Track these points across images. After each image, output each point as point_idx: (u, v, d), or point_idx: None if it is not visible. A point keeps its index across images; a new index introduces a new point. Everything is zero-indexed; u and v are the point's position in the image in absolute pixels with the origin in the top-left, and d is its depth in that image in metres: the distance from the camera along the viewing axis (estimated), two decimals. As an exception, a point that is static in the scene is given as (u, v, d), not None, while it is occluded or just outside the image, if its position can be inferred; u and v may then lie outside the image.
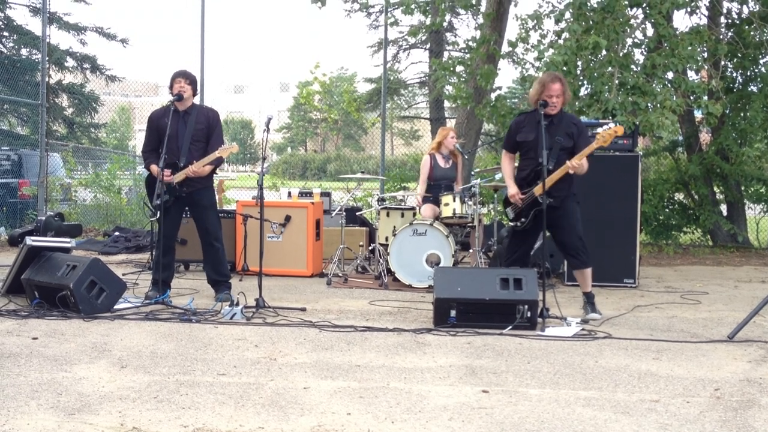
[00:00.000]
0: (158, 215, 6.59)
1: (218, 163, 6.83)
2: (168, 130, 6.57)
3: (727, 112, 10.69)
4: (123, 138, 46.22)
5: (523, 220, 6.30)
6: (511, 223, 6.51)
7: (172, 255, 6.99)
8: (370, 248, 8.66)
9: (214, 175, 7.19)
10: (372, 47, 21.94)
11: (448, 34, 20.13)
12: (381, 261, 7.97)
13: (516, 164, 6.51)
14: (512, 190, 6.33)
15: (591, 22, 8.85)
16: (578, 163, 6.01)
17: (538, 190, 6.11)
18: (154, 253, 7.03)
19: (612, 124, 6.12)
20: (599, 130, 6.15)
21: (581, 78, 9.23)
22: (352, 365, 4.76)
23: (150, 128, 6.84)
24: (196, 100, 6.98)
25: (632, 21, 9.29)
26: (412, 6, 11.32)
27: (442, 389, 4.28)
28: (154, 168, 6.67)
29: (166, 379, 4.39)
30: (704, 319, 6.33)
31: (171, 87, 6.74)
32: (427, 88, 21.50)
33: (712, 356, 5.08)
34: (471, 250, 8.22)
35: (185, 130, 6.69)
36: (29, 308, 6.23)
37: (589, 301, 6.33)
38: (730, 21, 10.81)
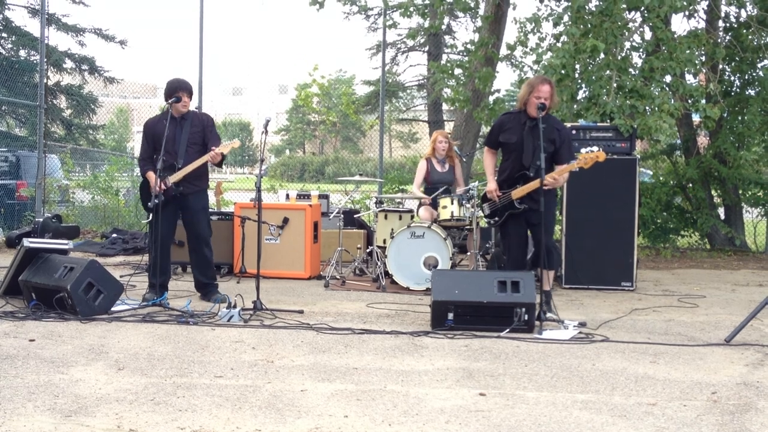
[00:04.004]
0: (151, 217, 6.69)
1: (219, 161, 6.85)
2: (166, 132, 6.64)
3: (725, 115, 10.71)
4: (121, 140, 46.18)
5: (496, 219, 6.50)
6: (485, 219, 6.70)
7: (169, 257, 7.00)
8: (367, 251, 8.66)
9: (220, 168, 7.23)
10: (370, 50, 21.93)
11: (446, 37, 20.15)
12: (379, 263, 7.97)
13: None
14: (491, 185, 6.46)
15: (589, 26, 8.86)
16: (555, 179, 6.13)
17: (515, 193, 6.25)
18: (149, 255, 7.05)
19: (596, 148, 6.19)
20: (583, 151, 6.22)
21: (579, 81, 9.24)
22: (349, 368, 4.75)
23: (145, 135, 6.92)
24: (195, 99, 7.02)
25: (630, 24, 9.30)
26: (411, 9, 11.34)
27: (440, 392, 4.28)
28: (150, 175, 6.74)
29: (163, 381, 4.38)
30: (701, 323, 6.34)
31: (169, 96, 6.77)
32: (425, 90, 21.51)
33: (710, 360, 5.08)
34: (469, 253, 8.23)
35: (182, 134, 6.79)
36: (26, 310, 6.22)
37: (546, 300, 6.24)
38: (728, 25, 10.83)
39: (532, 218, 6.25)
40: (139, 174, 7.18)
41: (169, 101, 6.74)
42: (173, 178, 6.68)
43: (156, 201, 6.60)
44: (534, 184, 6.11)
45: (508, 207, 6.33)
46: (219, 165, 7.06)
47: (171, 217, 6.87)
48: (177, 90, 6.75)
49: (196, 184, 6.86)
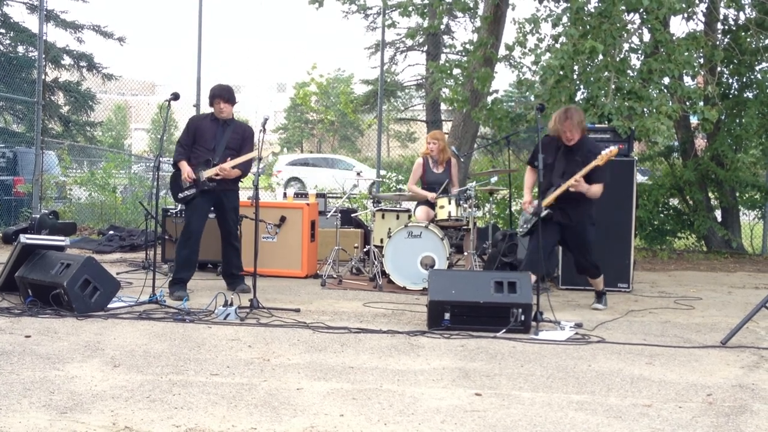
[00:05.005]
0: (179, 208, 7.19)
1: (245, 169, 7.22)
2: (206, 134, 7.13)
3: (723, 118, 10.71)
4: (119, 137, 45.98)
5: (526, 226, 6.95)
6: (521, 233, 7.15)
7: (198, 252, 7.23)
8: (364, 250, 8.66)
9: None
10: (369, 49, 21.96)
11: (445, 37, 20.18)
12: (376, 263, 7.97)
13: None
14: (526, 198, 6.93)
15: (588, 27, 8.86)
16: (578, 181, 6.40)
17: (545, 202, 6.58)
18: (176, 250, 7.32)
19: (612, 147, 6.53)
20: (603, 152, 6.46)
21: (578, 82, 9.24)
22: (345, 367, 4.76)
23: (188, 128, 7.29)
24: (193, 97, 7.12)
25: (629, 26, 9.30)
26: (410, 8, 11.34)
27: (435, 392, 4.28)
28: (184, 165, 7.06)
29: (159, 379, 4.38)
30: (697, 325, 6.35)
31: (211, 103, 7.23)
32: (423, 90, 21.53)
33: (705, 361, 5.09)
34: (466, 253, 8.23)
35: (223, 136, 7.16)
36: (22, 306, 6.22)
37: (597, 295, 7.05)
38: (726, 27, 10.84)
39: (565, 233, 6.71)
40: (136, 171, 7.29)
41: (167, 99, 7.00)
42: (207, 173, 6.98)
43: (187, 193, 7.03)
44: (560, 191, 6.49)
45: (537, 214, 6.56)
46: (245, 172, 7.33)
47: (203, 213, 7.17)
48: (215, 99, 7.15)
49: (229, 184, 7.20)
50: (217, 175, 6.98)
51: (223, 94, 7.12)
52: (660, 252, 11.08)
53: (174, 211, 8.64)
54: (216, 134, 7.15)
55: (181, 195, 7.12)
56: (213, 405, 3.94)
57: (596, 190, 6.55)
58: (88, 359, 4.78)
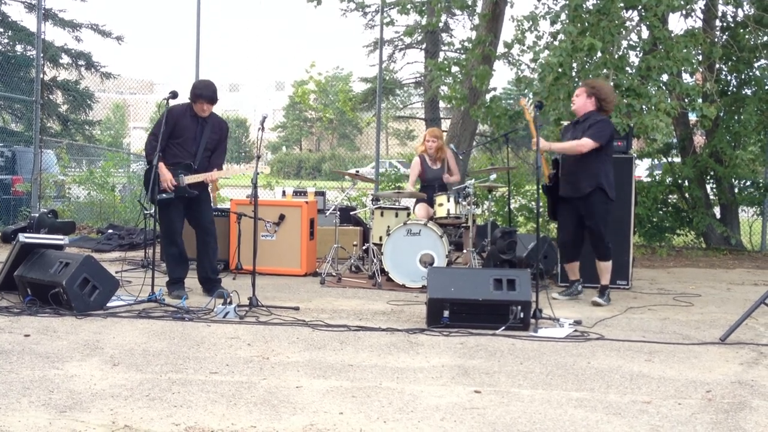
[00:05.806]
0: (154, 210, 6.87)
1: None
2: (187, 132, 6.85)
3: (722, 114, 10.72)
4: (117, 135, 45.93)
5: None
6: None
7: (185, 250, 7.13)
8: (363, 248, 8.66)
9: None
10: (368, 47, 21.94)
11: (443, 35, 20.15)
12: (375, 261, 7.97)
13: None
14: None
15: (586, 24, 8.85)
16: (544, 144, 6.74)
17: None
18: (163, 251, 7.21)
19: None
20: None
21: (576, 80, 9.23)
22: (344, 364, 4.76)
23: (168, 121, 6.82)
24: (186, 95, 7.04)
25: (627, 23, 9.30)
26: (408, 6, 11.32)
27: (435, 389, 4.28)
28: (164, 169, 6.75)
29: (159, 377, 4.38)
30: (696, 321, 6.35)
31: (193, 101, 6.86)
32: (422, 88, 21.50)
33: (704, 358, 5.09)
34: (465, 251, 8.23)
35: (202, 137, 6.93)
36: (21, 305, 6.21)
37: (601, 289, 7.08)
38: (725, 24, 10.83)
39: (580, 209, 6.91)
40: (135, 170, 7.22)
41: (166, 97, 6.82)
42: (189, 179, 6.80)
43: (165, 196, 6.75)
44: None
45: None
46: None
47: (180, 210, 6.99)
48: (198, 100, 6.81)
49: (202, 183, 6.98)
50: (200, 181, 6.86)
51: (207, 95, 6.82)
52: (659, 249, 11.08)
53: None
54: (196, 135, 6.89)
55: (158, 197, 6.79)
56: (212, 403, 3.94)
57: (568, 144, 6.86)
58: (87, 358, 4.78)
